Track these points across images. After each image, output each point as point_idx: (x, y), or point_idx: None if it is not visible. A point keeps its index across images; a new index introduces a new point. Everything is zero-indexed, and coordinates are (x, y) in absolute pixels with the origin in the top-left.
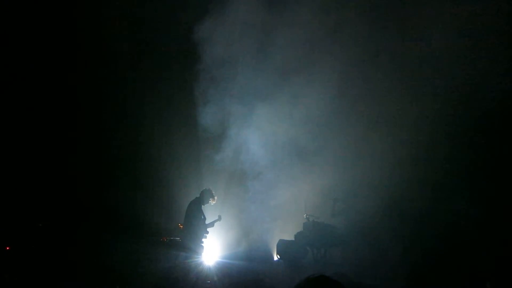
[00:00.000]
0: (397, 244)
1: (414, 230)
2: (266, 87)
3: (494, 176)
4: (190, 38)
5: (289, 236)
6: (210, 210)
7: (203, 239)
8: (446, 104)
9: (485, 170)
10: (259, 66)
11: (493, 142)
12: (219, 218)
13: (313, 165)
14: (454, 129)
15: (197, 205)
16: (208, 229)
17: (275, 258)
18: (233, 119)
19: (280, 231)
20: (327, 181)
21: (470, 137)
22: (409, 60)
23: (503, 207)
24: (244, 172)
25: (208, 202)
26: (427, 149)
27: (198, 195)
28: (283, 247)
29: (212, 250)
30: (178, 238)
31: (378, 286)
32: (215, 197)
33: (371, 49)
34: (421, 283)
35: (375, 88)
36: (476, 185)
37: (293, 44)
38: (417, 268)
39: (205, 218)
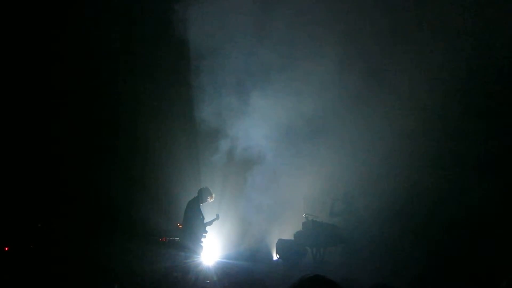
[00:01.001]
0: (399, 244)
1: (419, 229)
2: (264, 72)
3: (506, 172)
4: (182, 23)
5: (288, 236)
6: (208, 207)
7: (202, 239)
8: (456, 100)
9: (496, 166)
10: (257, 48)
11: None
12: (217, 217)
13: (312, 162)
14: (464, 124)
15: (195, 204)
16: (207, 228)
17: (275, 257)
18: (230, 109)
19: (279, 230)
20: (327, 179)
21: (481, 132)
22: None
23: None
24: (243, 165)
25: (206, 201)
26: (436, 144)
27: (196, 195)
28: (282, 246)
29: (212, 250)
30: (177, 238)
31: (379, 285)
32: (213, 195)
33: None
34: (425, 283)
35: (381, 75)
36: (487, 182)
37: (294, 22)
38: (421, 268)
39: (203, 218)
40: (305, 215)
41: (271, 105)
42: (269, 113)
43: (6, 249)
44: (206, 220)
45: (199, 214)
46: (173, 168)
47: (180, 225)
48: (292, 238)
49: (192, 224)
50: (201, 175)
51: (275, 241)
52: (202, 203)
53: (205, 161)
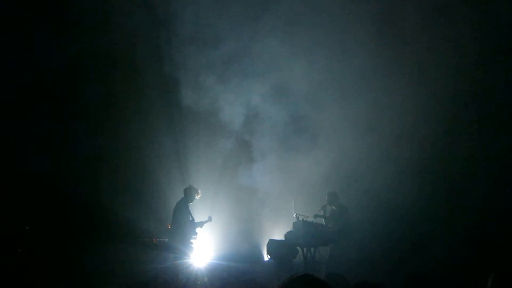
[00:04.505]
0: (390, 242)
1: (410, 227)
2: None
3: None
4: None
5: (279, 236)
6: (200, 208)
7: (192, 240)
8: (457, 99)
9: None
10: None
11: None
12: (210, 219)
13: (304, 161)
14: (461, 125)
15: (184, 205)
16: (198, 229)
17: (265, 258)
18: (219, 99)
19: (270, 230)
20: (318, 179)
21: (481, 132)
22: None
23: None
24: (234, 164)
25: (194, 199)
26: (429, 143)
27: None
28: (273, 247)
29: (202, 251)
30: (167, 240)
31: (362, 283)
32: (199, 191)
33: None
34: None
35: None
36: (481, 181)
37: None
38: (412, 266)
39: (193, 219)
40: (295, 215)
41: (261, 101)
42: (259, 111)
43: None
44: (197, 221)
45: (187, 214)
46: (162, 167)
47: (169, 226)
48: (283, 238)
49: (181, 225)
50: (190, 174)
51: (266, 241)
52: (191, 202)
53: (194, 159)
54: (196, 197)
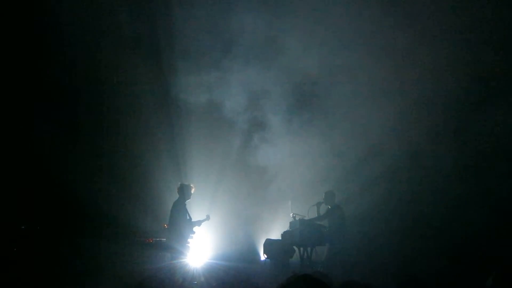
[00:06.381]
0: (386, 243)
1: (403, 227)
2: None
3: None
4: None
5: (276, 235)
6: (199, 207)
7: (189, 239)
8: (460, 96)
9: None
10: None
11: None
12: (208, 218)
13: (300, 161)
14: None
15: (181, 204)
16: (195, 228)
17: (262, 257)
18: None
19: (266, 230)
20: (313, 179)
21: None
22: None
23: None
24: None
25: (190, 195)
26: (417, 144)
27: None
28: (270, 246)
29: (199, 250)
30: (164, 239)
31: (350, 282)
32: (191, 185)
33: None
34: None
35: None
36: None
37: None
38: (405, 266)
39: (190, 218)
40: (292, 214)
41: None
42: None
43: None
44: (195, 220)
45: (185, 214)
46: (159, 166)
47: (166, 225)
48: (279, 237)
49: (179, 224)
50: (187, 171)
51: (263, 241)
52: (188, 199)
53: (191, 155)
54: (192, 191)
